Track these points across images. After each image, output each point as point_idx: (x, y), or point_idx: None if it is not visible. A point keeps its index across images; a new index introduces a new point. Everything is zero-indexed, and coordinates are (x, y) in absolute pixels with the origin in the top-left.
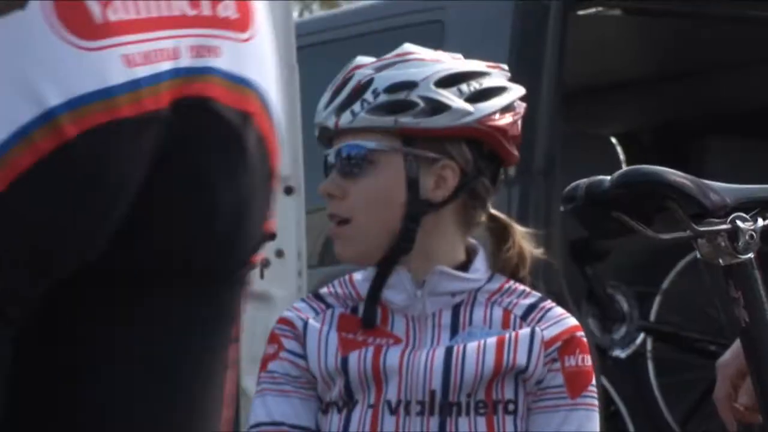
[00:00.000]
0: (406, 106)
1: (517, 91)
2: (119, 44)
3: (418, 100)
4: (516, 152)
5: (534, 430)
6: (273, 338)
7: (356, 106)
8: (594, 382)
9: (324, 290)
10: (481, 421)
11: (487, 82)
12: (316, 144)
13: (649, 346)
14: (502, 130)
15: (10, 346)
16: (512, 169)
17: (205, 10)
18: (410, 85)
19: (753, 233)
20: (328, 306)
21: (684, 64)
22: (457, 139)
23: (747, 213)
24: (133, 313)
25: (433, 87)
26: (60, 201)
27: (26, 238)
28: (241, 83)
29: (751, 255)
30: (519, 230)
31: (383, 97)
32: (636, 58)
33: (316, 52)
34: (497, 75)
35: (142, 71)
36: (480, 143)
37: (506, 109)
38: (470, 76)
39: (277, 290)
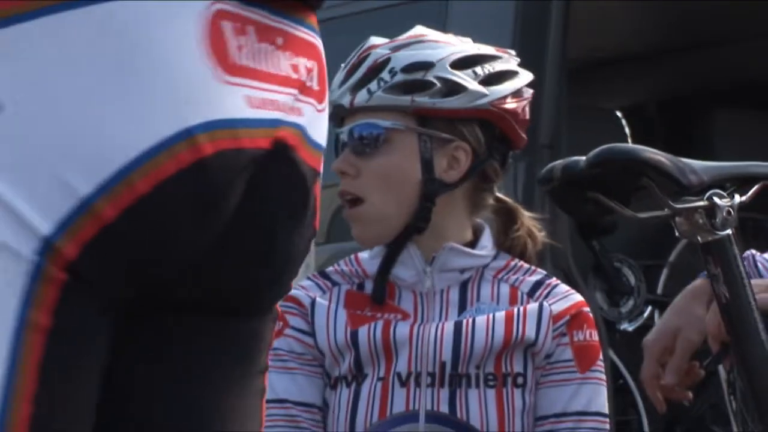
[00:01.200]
0: (422, 86)
1: (527, 76)
2: (244, 86)
3: (435, 81)
4: (524, 136)
5: (544, 404)
6: (277, 316)
7: (372, 85)
8: (601, 357)
9: (330, 269)
10: (491, 394)
11: (499, 66)
12: None
13: (656, 319)
14: (513, 113)
15: (106, 338)
16: None
17: (302, 76)
18: (427, 66)
19: (730, 209)
20: (335, 284)
21: (689, 36)
22: (470, 121)
23: (724, 190)
24: (176, 339)
25: (449, 68)
26: (189, 210)
27: (158, 237)
28: (315, 146)
29: (729, 231)
30: (526, 213)
31: (400, 77)
32: (641, 31)
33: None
34: (508, 59)
35: (258, 114)
36: (491, 126)
37: (517, 93)
38: (483, 59)
39: None
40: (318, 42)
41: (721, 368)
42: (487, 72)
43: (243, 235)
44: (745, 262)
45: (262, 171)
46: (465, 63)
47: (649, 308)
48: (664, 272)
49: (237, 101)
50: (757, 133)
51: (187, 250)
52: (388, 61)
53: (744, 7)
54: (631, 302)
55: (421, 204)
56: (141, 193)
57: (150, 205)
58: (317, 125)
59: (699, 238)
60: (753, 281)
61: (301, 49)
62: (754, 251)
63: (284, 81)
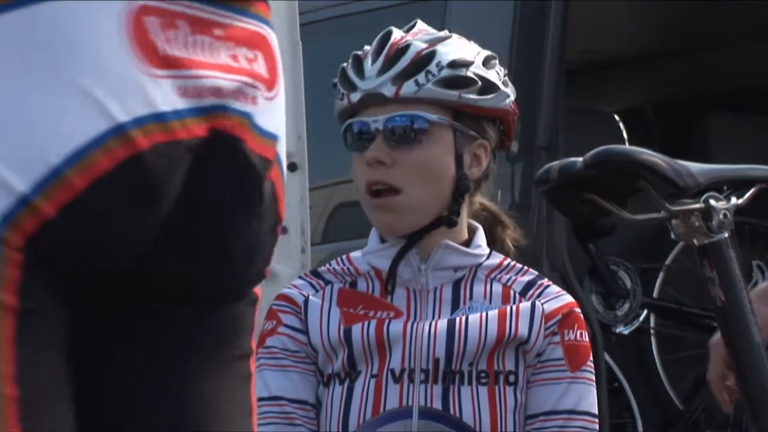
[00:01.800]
0: (467, 83)
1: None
2: (177, 77)
3: (476, 78)
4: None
5: (534, 402)
6: (271, 314)
7: (421, 77)
8: (591, 357)
9: (322, 268)
10: (483, 391)
11: (501, 67)
12: (318, 121)
13: (652, 322)
14: (516, 113)
15: (67, 326)
16: (515, 145)
17: (244, 64)
18: (468, 63)
19: (727, 212)
20: (327, 282)
21: (687, 40)
22: (490, 119)
23: (721, 192)
24: (144, 329)
25: (482, 67)
26: (128, 204)
27: (99, 231)
28: (265, 134)
29: (725, 234)
30: (504, 215)
31: (447, 71)
32: (639, 34)
33: (319, 29)
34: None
35: (193, 103)
36: (499, 125)
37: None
38: (495, 60)
39: (282, 267)
40: (265, 31)
41: None
42: (502, 73)
43: (190, 225)
44: None
45: (202, 161)
46: (489, 62)
47: (645, 311)
48: (660, 275)
49: (168, 93)
50: (753, 137)
51: (130, 243)
52: (433, 54)
53: (741, 11)
54: (626, 305)
55: (454, 198)
56: (78, 189)
57: (88, 201)
58: (267, 113)
59: (695, 241)
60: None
61: (243, 39)
62: None
63: (227, 69)
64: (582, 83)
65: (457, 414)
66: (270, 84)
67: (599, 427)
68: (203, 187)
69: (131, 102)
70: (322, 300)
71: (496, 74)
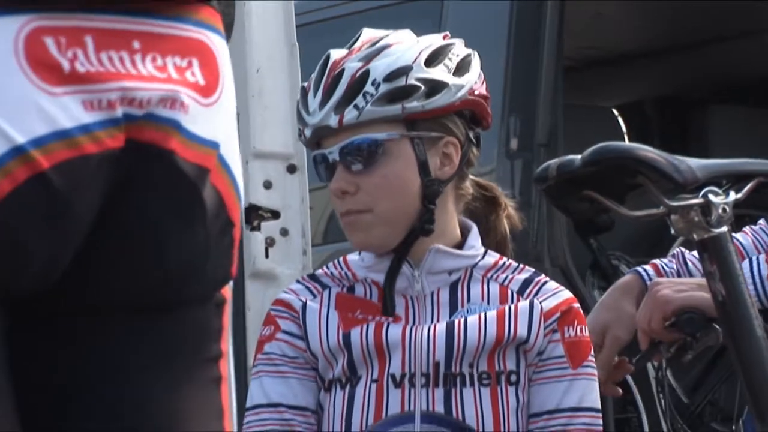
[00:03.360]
0: (408, 92)
1: (471, 50)
2: (82, 92)
3: (418, 83)
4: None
5: (537, 401)
6: (269, 320)
7: (359, 101)
8: (592, 352)
9: (319, 271)
10: (485, 392)
11: (456, 52)
12: None
13: None
14: (485, 96)
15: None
16: (514, 142)
17: (172, 72)
18: (406, 70)
19: (726, 207)
20: (324, 286)
21: (686, 34)
22: (451, 114)
23: (719, 187)
24: (80, 339)
25: (424, 67)
26: (33, 224)
27: (7, 252)
28: (200, 141)
29: (725, 228)
30: (503, 193)
31: (384, 87)
32: (637, 29)
33: (316, 30)
34: (458, 43)
35: (102, 116)
36: (465, 113)
37: (480, 74)
38: (446, 50)
39: (283, 269)
40: (206, 36)
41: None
42: (454, 62)
43: (117, 238)
44: (675, 260)
45: (124, 172)
46: (434, 58)
47: None
48: None
49: (72, 109)
50: (752, 131)
51: (43, 262)
52: (367, 73)
53: (740, 5)
54: None
55: (424, 206)
56: None
57: None
58: (203, 120)
59: (695, 236)
60: (684, 280)
61: (173, 47)
62: (682, 248)
63: (149, 79)
64: (581, 79)
65: (460, 416)
66: (207, 90)
67: (604, 422)
68: (127, 198)
69: (30, 123)
70: (320, 305)
71: (444, 68)
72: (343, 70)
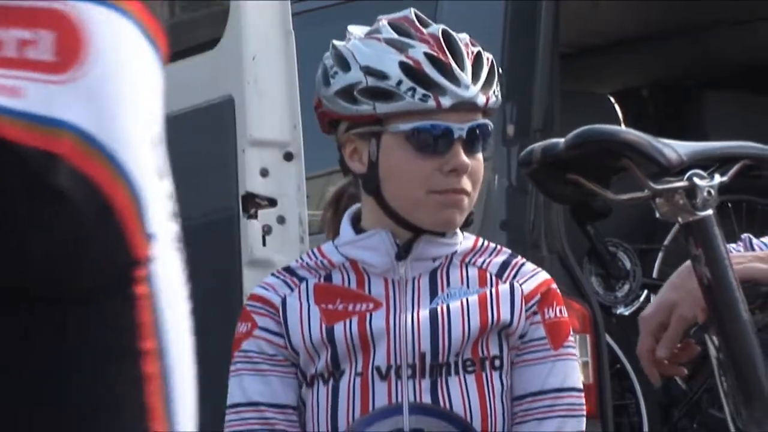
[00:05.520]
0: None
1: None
2: None
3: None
4: None
5: (520, 384)
6: (245, 316)
7: (495, 88)
8: (572, 332)
9: (294, 263)
10: (471, 379)
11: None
12: (314, 110)
13: None
14: None
15: None
16: (511, 128)
17: (9, 52)
18: None
19: (711, 190)
20: (301, 279)
21: (682, 21)
22: None
23: (704, 170)
24: None
25: None
26: None
27: None
28: (48, 124)
29: (710, 212)
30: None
31: (499, 80)
32: (633, 15)
33: (312, 18)
34: None
35: None
36: None
37: None
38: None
39: (280, 257)
40: (63, 5)
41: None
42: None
43: None
44: (742, 244)
45: None
46: None
47: (645, 292)
48: (660, 256)
49: None
50: (749, 116)
51: None
52: (494, 63)
53: None
54: (626, 286)
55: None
56: None
57: None
58: (52, 100)
59: (680, 219)
60: (743, 254)
61: (15, 18)
62: (750, 235)
63: None
64: (576, 65)
65: (447, 405)
66: (60, 66)
67: (602, 408)
68: None
69: None
70: (300, 300)
71: None
72: (480, 53)
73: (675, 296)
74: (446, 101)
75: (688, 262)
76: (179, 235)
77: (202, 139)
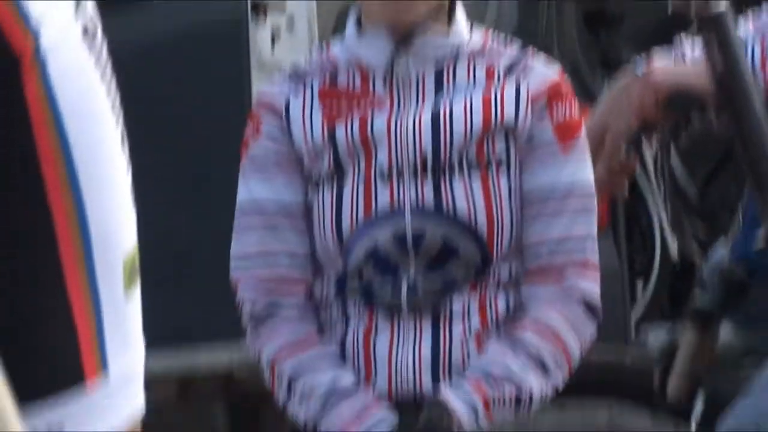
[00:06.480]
0: None
1: None
2: None
3: None
4: None
5: (530, 186)
6: (253, 116)
7: None
8: (583, 131)
9: (301, 65)
10: (476, 182)
11: None
12: None
13: None
14: None
15: None
16: None
17: None
18: None
19: None
20: (306, 81)
21: None
22: None
23: None
24: None
25: None
26: None
27: None
28: None
29: (722, 8)
30: None
31: None
32: None
33: None
34: None
35: None
36: None
37: None
38: None
39: (289, 61)
40: None
41: None
42: None
43: None
44: (672, 53)
45: None
46: None
47: None
48: None
49: None
50: None
51: None
52: None
53: None
54: None
55: None
56: None
57: None
58: None
59: (693, 12)
60: (677, 66)
61: None
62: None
63: None
64: None
65: (451, 207)
66: None
67: (614, 218)
68: None
69: None
70: (303, 101)
71: None
72: None
73: (605, 118)
74: None
75: (618, 84)
76: (94, 28)
77: None
